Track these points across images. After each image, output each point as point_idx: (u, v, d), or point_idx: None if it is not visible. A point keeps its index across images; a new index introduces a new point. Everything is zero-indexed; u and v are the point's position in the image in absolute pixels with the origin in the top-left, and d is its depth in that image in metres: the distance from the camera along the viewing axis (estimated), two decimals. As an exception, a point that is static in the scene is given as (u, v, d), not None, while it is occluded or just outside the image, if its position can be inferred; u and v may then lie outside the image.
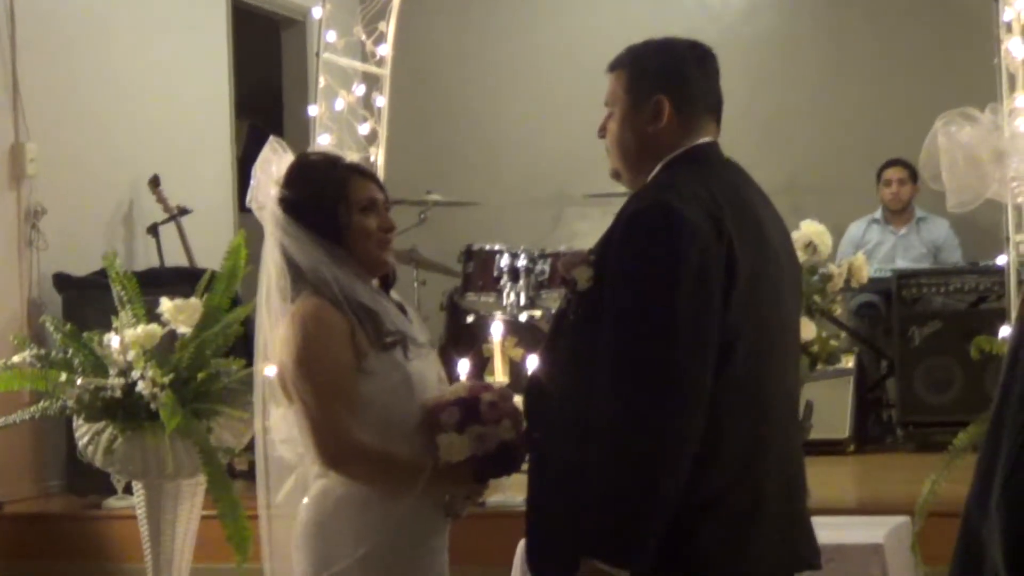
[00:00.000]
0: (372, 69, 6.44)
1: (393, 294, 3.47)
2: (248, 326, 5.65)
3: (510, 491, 5.56)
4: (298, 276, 3.29)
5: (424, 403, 3.25)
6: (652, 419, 2.70)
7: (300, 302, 3.27)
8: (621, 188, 3.11)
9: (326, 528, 3.26)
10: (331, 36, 6.29)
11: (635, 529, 2.71)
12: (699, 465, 2.73)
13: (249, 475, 6.67)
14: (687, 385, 2.72)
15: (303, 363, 3.22)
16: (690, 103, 2.98)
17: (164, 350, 5.41)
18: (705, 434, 2.73)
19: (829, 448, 7.19)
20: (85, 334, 5.49)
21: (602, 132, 3.07)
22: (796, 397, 3.10)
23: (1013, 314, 5.30)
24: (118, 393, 5.33)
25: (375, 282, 3.42)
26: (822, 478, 5.45)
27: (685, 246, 2.74)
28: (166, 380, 5.29)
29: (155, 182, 7.86)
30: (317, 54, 6.27)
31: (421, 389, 3.28)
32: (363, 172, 3.45)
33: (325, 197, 3.32)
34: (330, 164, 3.44)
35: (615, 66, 3.05)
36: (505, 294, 7.98)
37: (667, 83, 2.97)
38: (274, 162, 5.98)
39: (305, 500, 3.33)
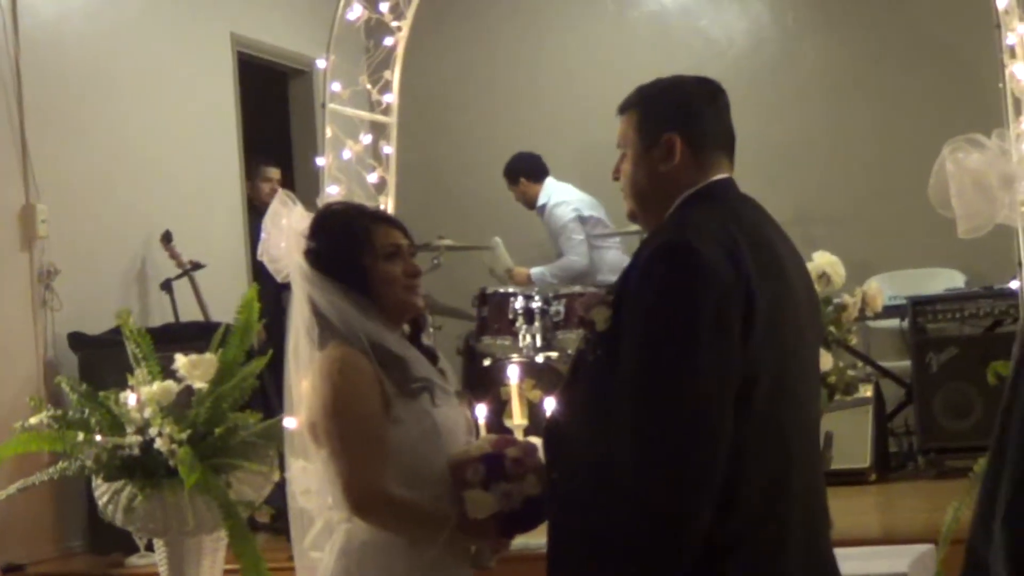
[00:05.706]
0: (378, 118, 6.45)
1: (426, 340, 3.50)
2: (263, 379, 5.66)
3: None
4: (326, 326, 3.32)
5: (450, 458, 3.25)
6: (672, 463, 2.67)
7: (329, 350, 3.29)
8: (631, 227, 3.11)
9: (351, 574, 3.26)
10: (336, 86, 6.30)
11: (659, 573, 2.69)
12: (723, 504, 2.70)
13: (271, 528, 6.68)
14: (707, 427, 2.69)
15: (332, 411, 3.23)
16: (702, 140, 2.97)
17: (181, 406, 5.41)
18: (728, 473, 2.71)
19: (850, 478, 7.18)
20: (101, 393, 5.49)
21: (616, 174, 3.05)
22: (817, 430, 3.08)
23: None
24: (136, 451, 5.33)
25: (405, 328, 3.43)
26: (844, 508, 5.42)
27: (703, 286, 2.72)
28: (183, 436, 5.28)
29: (167, 238, 7.89)
30: (323, 105, 6.29)
31: (449, 437, 3.28)
32: (387, 219, 3.49)
33: (348, 247, 3.35)
34: (353, 214, 3.48)
35: (625, 108, 3.04)
36: (521, 336, 7.98)
37: (677, 121, 2.96)
38: (284, 215, 5.99)
39: (328, 547, 3.34)
